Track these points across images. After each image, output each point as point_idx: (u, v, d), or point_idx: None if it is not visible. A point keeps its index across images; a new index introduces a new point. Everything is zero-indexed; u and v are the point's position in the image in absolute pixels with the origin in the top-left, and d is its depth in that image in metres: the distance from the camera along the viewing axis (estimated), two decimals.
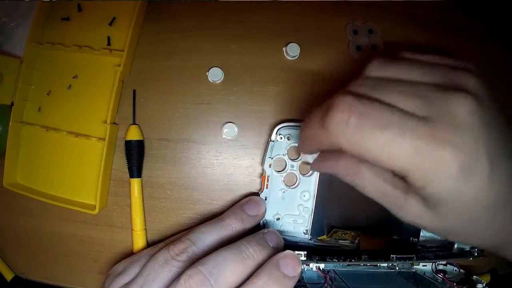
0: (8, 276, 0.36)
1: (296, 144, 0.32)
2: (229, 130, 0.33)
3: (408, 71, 0.22)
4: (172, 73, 0.34)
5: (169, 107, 0.34)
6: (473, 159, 0.19)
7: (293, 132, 0.32)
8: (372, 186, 0.23)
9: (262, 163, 0.33)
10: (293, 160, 0.32)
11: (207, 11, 0.35)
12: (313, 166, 0.27)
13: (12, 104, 0.35)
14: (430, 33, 0.35)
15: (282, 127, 0.31)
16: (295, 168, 0.32)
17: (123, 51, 0.32)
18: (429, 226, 0.22)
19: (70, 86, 0.34)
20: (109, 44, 0.34)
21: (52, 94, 0.35)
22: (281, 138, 0.32)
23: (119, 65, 0.32)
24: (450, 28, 0.36)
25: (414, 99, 0.20)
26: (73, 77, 0.34)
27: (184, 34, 0.35)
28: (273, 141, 0.32)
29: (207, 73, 0.34)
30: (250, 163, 0.34)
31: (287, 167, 0.32)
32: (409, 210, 0.22)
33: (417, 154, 0.19)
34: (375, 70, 0.23)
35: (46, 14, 0.35)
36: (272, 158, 0.32)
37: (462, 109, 0.19)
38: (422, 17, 0.36)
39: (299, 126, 0.31)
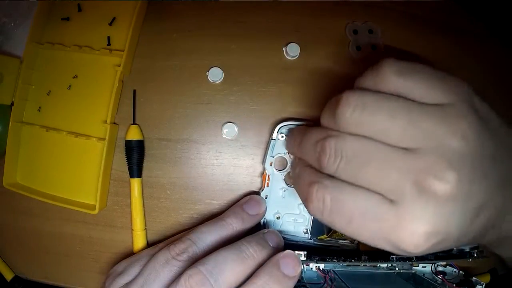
0: (8, 276, 0.36)
1: None
2: (229, 130, 0.33)
3: (388, 123, 0.20)
4: (172, 73, 0.34)
5: (169, 107, 0.34)
6: (439, 238, 0.19)
7: None
8: None
9: (263, 161, 0.33)
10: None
11: (207, 11, 0.35)
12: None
13: (12, 104, 0.35)
14: (430, 33, 0.35)
15: (283, 125, 0.31)
16: None
17: (123, 51, 0.32)
18: None
19: (70, 86, 0.34)
20: (109, 44, 0.34)
21: (52, 94, 0.35)
22: (283, 136, 0.32)
23: (119, 65, 0.32)
24: (450, 28, 0.36)
25: (386, 186, 0.20)
26: (73, 77, 0.34)
27: (184, 34, 0.35)
28: (275, 139, 0.32)
29: (207, 73, 0.33)
30: (250, 163, 0.34)
31: (288, 165, 0.32)
32: None
33: (382, 242, 0.21)
34: (351, 115, 0.21)
35: (46, 14, 0.35)
36: (273, 157, 0.32)
37: (433, 207, 0.19)
38: (422, 17, 0.36)
39: (301, 125, 0.31)
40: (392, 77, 0.21)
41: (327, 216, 0.22)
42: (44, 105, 0.35)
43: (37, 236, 0.36)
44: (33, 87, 0.35)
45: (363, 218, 0.20)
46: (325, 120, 0.23)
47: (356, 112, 0.21)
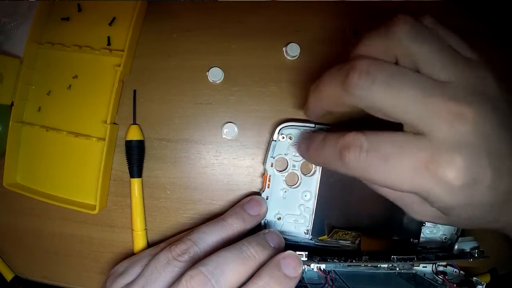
0: (8, 276, 0.36)
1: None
2: (229, 130, 0.33)
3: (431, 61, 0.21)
4: (172, 73, 0.34)
5: (169, 107, 0.34)
6: (475, 173, 0.19)
7: (295, 132, 0.32)
8: (390, 190, 0.23)
9: (264, 162, 0.33)
10: (295, 160, 0.32)
11: (207, 11, 0.35)
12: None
13: (12, 104, 0.35)
14: None
15: (284, 127, 0.31)
16: (296, 168, 0.32)
17: (123, 51, 0.32)
18: (441, 223, 0.25)
19: (70, 86, 0.34)
20: (109, 44, 0.34)
21: (52, 94, 0.35)
22: (283, 137, 0.32)
23: (119, 65, 0.32)
24: (450, 28, 0.36)
25: (417, 114, 0.20)
26: (73, 77, 0.34)
27: (184, 34, 0.35)
28: (275, 140, 0.31)
29: (207, 73, 0.33)
30: (250, 163, 0.34)
31: (288, 166, 0.32)
32: (424, 214, 0.23)
33: (419, 178, 0.20)
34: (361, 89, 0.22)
35: (46, 14, 0.35)
36: (274, 158, 0.32)
37: (464, 127, 0.19)
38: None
39: (301, 126, 0.31)
40: (405, 42, 0.22)
41: (363, 161, 0.21)
42: (44, 105, 0.35)
43: (37, 236, 0.35)
44: (33, 87, 0.35)
45: (399, 153, 0.20)
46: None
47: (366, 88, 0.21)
